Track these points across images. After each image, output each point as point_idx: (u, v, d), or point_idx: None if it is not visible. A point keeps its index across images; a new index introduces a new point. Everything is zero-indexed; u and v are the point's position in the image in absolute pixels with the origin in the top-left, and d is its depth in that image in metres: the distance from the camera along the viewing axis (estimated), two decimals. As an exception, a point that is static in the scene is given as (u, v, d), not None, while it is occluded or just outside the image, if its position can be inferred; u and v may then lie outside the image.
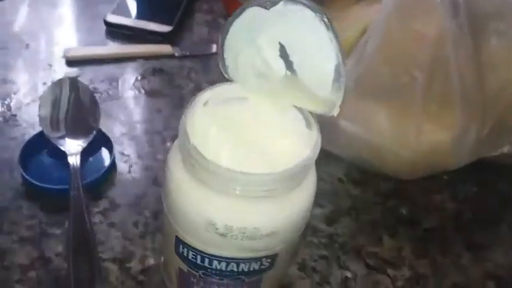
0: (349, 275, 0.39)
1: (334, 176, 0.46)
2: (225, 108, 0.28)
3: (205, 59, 0.59)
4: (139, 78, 0.55)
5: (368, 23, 0.43)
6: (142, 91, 0.53)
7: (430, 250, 0.41)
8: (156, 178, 0.44)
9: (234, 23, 0.26)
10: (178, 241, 0.28)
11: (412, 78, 0.40)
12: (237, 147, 0.26)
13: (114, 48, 0.59)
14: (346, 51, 0.46)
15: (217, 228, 0.25)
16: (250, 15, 0.26)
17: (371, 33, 0.43)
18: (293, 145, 0.27)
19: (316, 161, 0.26)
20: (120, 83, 0.54)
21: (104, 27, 0.61)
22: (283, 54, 0.26)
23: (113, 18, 0.61)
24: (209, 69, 0.57)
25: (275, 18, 0.25)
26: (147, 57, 0.58)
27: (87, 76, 0.54)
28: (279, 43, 0.25)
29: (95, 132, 0.45)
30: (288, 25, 0.25)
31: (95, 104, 0.47)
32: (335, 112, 0.26)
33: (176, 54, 0.59)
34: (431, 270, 0.40)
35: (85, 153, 0.43)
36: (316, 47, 0.24)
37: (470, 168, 0.43)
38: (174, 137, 0.32)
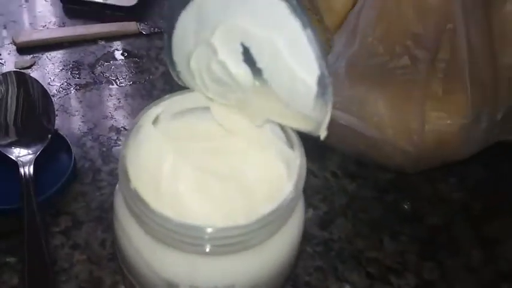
0: (348, 288, 0.34)
1: (327, 169, 0.41)
2: (182, 122, 0.22)
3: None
4: (101, 63, 0.48)
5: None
6: (105, 79, 0.47)
7: (437, 251, 0.37)
8: (124, 185, 0.38)
9: (180, 17, 0.20)
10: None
11: (412, 59, 0.34)
12: (201, 178, 0.20)
13: (71, 30, 0.51)
14: (336, 24, 0.40)
15: (181, 291, 0.20)
16: (200, 4, 0.19)
17: (364, 3, 0.36)
18: (271, 166, 0.21)
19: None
20: (79, 71, 0.47)
21: (59, 4, 0.54)
22: (248, 58, 0.20)
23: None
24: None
25: (232, 9, 0.19)
26: (109, 38, 0.51)
27: (41, 64, 0.47)
28: (241, 44, 0.19)
29: (50, 135, 0.39)
30: (250, 18, 0.19)
31: (48, 101, 0.40)
32: (322, 134, 0.20)
33: (143, 32, 0.52)
34: (439, 275, 0.36)
35: (40, 162, 0.37)
36: (291, 51, 0.18)
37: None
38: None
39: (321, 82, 0.18)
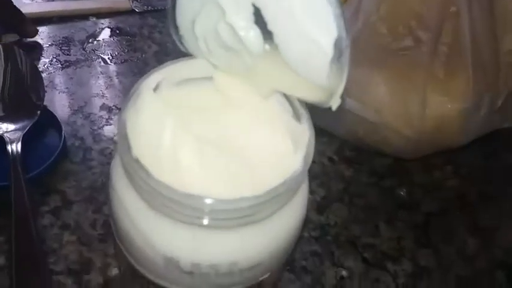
0: (344, 273, 0.34)
1: (324, 154, 0.40)
2: (184, 92, 0.21)
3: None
4: (92, 40, 0.47)
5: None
6: (96, 57, 0.45)
7: (433, 238, 0.37)
8: (116, 165, 0.37)
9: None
10: (137, 276, 0.21)
11: (415, 40, 0.34)
12: (201, 147, 0.19)
13: (62, 4, 0.49)
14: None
15: (181, 267, 0.19)
16: None
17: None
18: (277, 141, 0.20)
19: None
20: (69, 47, 0.45)
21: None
22: (259, 20, 0.18)
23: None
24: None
25: None
26: (100, 14, 0.49)
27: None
28: (252, 4, 0.18)
29: (39, 112, 0.37)
30: None
31: (37, 76, 0.39)
32: (334, 104, 0.19)
33: (136, 10, 0.50)
34: (435, 262, 0.35)
35: (28, 139, 0.35)
36: (306, 10, 0.17)
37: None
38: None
39: (338, 45, 0.17)
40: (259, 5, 0.18)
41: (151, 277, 0.21)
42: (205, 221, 0.18)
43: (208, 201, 0.17)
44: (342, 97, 0.19)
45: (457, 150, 0.42)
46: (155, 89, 0.20)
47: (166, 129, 0.19)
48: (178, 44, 0.21)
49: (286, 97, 0.21)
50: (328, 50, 0.17)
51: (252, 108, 0.21)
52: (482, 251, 0.37)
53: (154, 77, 0.20)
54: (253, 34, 0.18)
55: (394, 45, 0.33)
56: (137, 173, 0.17)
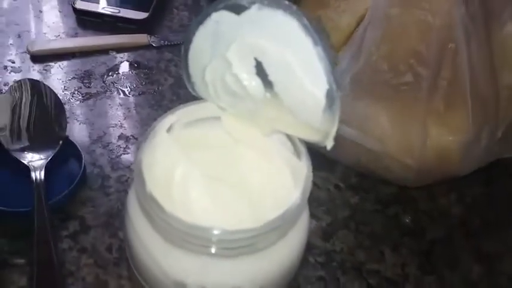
0: (349, 299, 0.35)
1: (330, 182, 0.42)
2: (195, 131, 0.23)
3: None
4: (111, 74, 0.50)
5: (367, 9, 0.38)
6: (116, 89, 0.48)
7: (437, 265, 0.38)
8: (132, 192, 0.39)
9: (198, 31, 0.21)
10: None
11: (415, 76, 0.36)
12: (210, 184, 0.21)
13: (84, 40, 0.53)
14: (341, 42, 0.41)
15: (188, 291, 0.21)
16: (217, 21, 0.20)
17: (370, 20, 0.37)
18: (278, 174, 0.22)
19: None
20: (90, 80, 0.48)
21: (72, 15, 0.55)
22: (260, 71, 0.21)
23: (82, 5, 0.55)
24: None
25: (247, 26, 0.20)
26: (120, 49, 0.52)
27: (53, 73, 0.49)
28: (254, 59, 0.20)
29: (61, 142, 0.40)
30: (263, 35, 0.20)
31: (60, 109, 0.41)
32: (328, 144, 0.21)
33: (153, 45, 0.53)
34: (439, 288, 0.36)
35: (50, 167, 0.38)
36: (301, 66, 0.20)
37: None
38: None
39: (329, 95, 0.19)
40: (260, 59, 0.20)
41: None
42: (212, 250, 0.20)
43: (215, 232, 0.19)
44: (340, 133, 0.21)
45: (460, 179, 0.43)
46: (168, 130, 0.22)
47: (177, 167, 0.21)
48: (191, 90, 0.23)
49: (288, 136, 0.23)
50: (321, 99, 0.19)
51: (256, 147, 0.23)
52: (486, 277, 0.37)
53: (169, 119, 0.23)
54: (255, 84, 0.21)
55: (395, 80, 0.35)
56: (150, 207, 0.19)
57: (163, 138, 0.22)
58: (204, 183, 0.21)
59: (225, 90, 0.22)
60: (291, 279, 0.24)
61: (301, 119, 0.21)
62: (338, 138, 0.38)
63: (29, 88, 0.41)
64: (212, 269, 0.20)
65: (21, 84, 0.41)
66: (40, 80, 0.43)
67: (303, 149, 0.22)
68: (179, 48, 0.52)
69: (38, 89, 0.41)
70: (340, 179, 0.42)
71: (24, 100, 0.41)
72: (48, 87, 0.42)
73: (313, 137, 0.21)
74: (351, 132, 0.37)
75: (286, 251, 0.22)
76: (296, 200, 0.20)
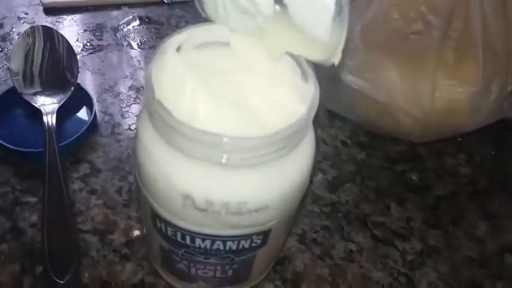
0: (353, 247, 0.35)
1: (338, 138, 0.42)
2: (203, 55, 0.23)
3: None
4: (123, 28, 0.50)
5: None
6: (127, 43, 0.48)
7: (442, 220, 0.38)
8: (141, 140, 0.40)
9: None
10: (155, 216, 0.24)
11: (426, 24, 0.35)
12: (217, 102, 0.21)
13: (96, -6, 0.53)
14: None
15: (195, 203, 0.21)
16: None
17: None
18: (286, 99, 0.22)
19: (316, 120, 0.22)
20: (102, 33, 0.49)
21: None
22: None
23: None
24: (202, 19, 0.52)
25: None
26: (132, 4, 0.52)
27: (66, 25, 0.49)
28: None
29: (72, 88, 0.40)
30: None
31: (72, 56, 0.42)
32: (336, 59, 0.21)
33: (165, 1, 0.53)
34: (444, 242, 0.36)
35: (62, 112, 0.38)
36: None
37: (487, 128, 0.39)
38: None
39: (339, 2, 0.19)
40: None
41: (168, 216, 0.23)
42: (223, 159, 0.20)
43: (225, 139, 0.19)
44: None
45: (469, 139, 0.43)
46: (178, 49, 0.22)
47: (185, 87, 0.21)
48: (200, 10, 0.23)
49: (295, 59, 0.23)
50: (330, 7, 0.19)
51: (264, 69, 0.23)
52: (491, 234, 0.37)
53: (178, 38, 0.23)
54: None
55: (405, 28, 0.35)
56: (159, 114, 0.20)
57: (173, 57, 0.22)
58: (212, 102, 0.21)
59: (234, 6, 0.22)
60: (295, 201, 0.24)
61: (310, 34, 0.21)
62: (348, 90, 0.38)
63: (41, 34, 0.41)
64: (217, 180, 0.20)
65: (34, 30, 0.41)
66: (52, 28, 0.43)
67: (310, 72, 0.22)
68: (190, 5, 0.52)
69: (50, 35, 0.41)
70: (347, 136, 0.42)
71: (37, 46, 0.41)
72: (61, 34, 0.42)
73: (321, 56, 0.21)
74: (361, 83, 0.37)
75: (293, 167, 0.22)
76: (303, 115, 0.20)
